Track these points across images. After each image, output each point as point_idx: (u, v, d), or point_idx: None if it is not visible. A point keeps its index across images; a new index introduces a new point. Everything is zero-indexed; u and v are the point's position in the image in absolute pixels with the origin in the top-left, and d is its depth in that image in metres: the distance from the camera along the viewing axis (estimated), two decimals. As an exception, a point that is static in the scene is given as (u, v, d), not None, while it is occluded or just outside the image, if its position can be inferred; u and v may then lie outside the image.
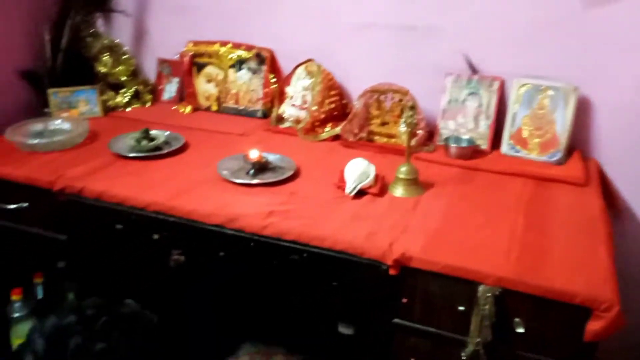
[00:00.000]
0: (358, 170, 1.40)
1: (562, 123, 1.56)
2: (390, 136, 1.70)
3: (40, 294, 1.70)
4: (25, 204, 1.56)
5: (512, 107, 1.61)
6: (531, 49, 1.61)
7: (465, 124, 1.67)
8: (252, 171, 1.49)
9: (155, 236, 1.42)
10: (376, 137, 1.72)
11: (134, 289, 1.75)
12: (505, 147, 1.63)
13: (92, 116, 1.91)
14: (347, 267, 1.23)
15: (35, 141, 1.64)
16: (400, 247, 1.18)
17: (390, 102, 1.69)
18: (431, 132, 1.71)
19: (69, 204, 1.48)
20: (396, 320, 1.24)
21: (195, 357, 2.14)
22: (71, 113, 1.89)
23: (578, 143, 1.63)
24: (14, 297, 1.64)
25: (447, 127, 1.69)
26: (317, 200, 1.38)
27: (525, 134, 1.60)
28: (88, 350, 0.84)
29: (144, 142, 1.64)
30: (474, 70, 1.68)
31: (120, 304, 0.99)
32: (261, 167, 1.50)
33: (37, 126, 1.74)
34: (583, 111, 1.60)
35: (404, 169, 1.41)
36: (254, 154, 1.50)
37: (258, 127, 1.85)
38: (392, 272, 1.18)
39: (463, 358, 1.16)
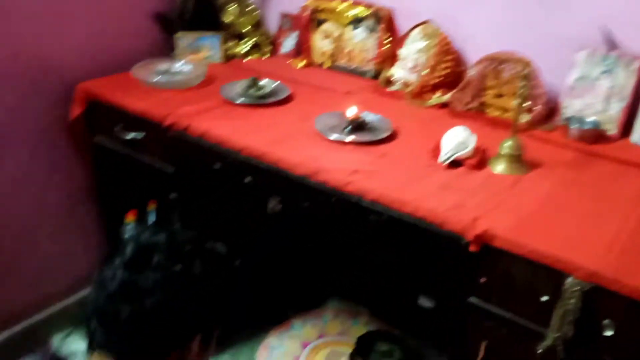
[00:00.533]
0: (457, 139, 1.32)
1: None
2: (505, 110, 1.57)
3: (151, 220, 1.85)
4: (141, 135, 1.69)
5: (653, 90, 1.40)
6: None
7: (594, 105, 1.48)
8: (347, 129, 1.46)
9: (247, 179, 1.46)
10: (488, 109, 1.60)
11: (227, 230, 1.85)
12: (637, 136, 1.43)
13: (212, 62, 2.00)
14: (426, 237, 1.17)
15: (157, 79, 1.76)
16: (484, 223, 1.09)
17: (510, 72, 1.55)
18: (552, 110, 1.55)
19: (176, 139, 1.57)
20: (472, 299, 1.16)
21: (280, 307, 2.22)
22: (194, 57, 1.99)
23: None
24: (128, 219, 1.81)
25: (571, 107, 1.51)
26: (407, 165, 1.32)
27: (664, 122, 1.39)
28: (166, 268, 0.87)
29: (251, 90, 1.69)
30: (612, 46, 1.47)
31: (208, 242, 1.02)
32: (357, 126, 1.47)
33: (162, 66, 1.86)
34: None
35: (508, 143, 1.29)
36: (351, 112, 1.47)
37: (365, 87, 1.81)
38: (472, 248, 1.10)
39: (538, 351, 1.06)
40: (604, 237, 1.06)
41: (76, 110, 1.81)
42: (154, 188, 1.81)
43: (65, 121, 1.84)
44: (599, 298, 0.98)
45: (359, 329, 2.12)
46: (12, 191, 1.80)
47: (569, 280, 0.99)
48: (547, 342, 1.04)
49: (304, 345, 2.08)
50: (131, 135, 1.70)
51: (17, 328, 1.90)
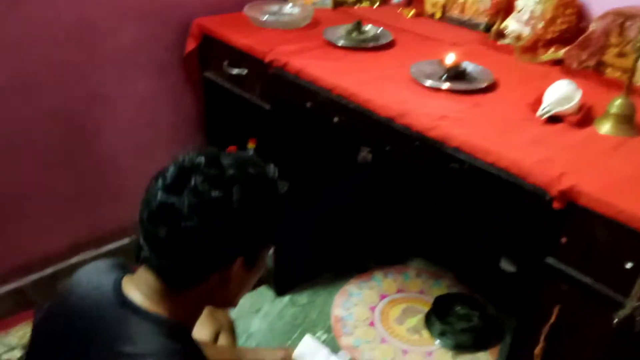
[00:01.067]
0: (560, 93, 1.22)
1: None
2: (626, 71, 1.42)
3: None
4: (244, 72, 1.76)
5: None
6: None
7: None
8: (444, 77, 1.41)
9: (335, 119, 1.47)
10: (607, 70, 1.45)
11: (315, 172, 1.90)
12: None
13: (322, 7, 2.01)
14: (507, 190, 1.11)
15: (265, 17, 1.81)
16: (572, 179, 1.01)
17: (637, 30, 1.39)
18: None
19: (274, 76, 1.62)
20: (550, 260, 1.09)
21: (362, 258, 2.25)
22: (305, 1, 2.02)
23: None
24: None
25: None
26: (500, 116, 1.25)
27: None
28: (203, 193, 0.84)
29: (354, 34, 1.68)
30: None
31: (260, 169, 0.93)
32: (455, 75, 1.41)
33: (272, 7, 1.91)
34: None
35: (618, 101, 1.17)
36: (450, 59, 1.41)
37: (474, 39, 1.72)
38: (556, 205, 1.03)
39: (615, 320, 0.98)
40: None
41: (191, 45, 1.92)
42: (253, 126, 1.90)
43: (181, 55, 1.97)
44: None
45: (440, 290, 2.09)
46: (131, 116, 1.97)
47: (661, 249, 0.90)
48: (624, 311, 0.96)
49: (382, 297, 2.09)
50: (236, 71, 1.78)
51: (125, 240, 2.11)
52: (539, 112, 1.22)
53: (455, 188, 1.37)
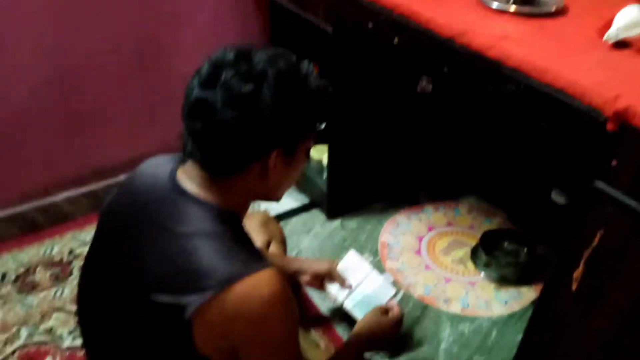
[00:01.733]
0: (629, 18, 1.17)
1: None
2: None
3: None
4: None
5: None
6: None
7: None
8: (512, 1, 1.38)
9: (396, 40, 1.48)
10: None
11: (374, 100, 1.92)
12: None
13: None
14: (563, 110, 1.10)
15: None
16: (629, 100, 0.99)
17: None
18: None
19: (339, -3, 1.63)
20: (599, 183, 1.08)
21: (414, 191, 2.27)
22: None
23: None
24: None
25: None
26: (565, 39, 1.22)
27: None
28: (233, 87, 0.88)
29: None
30: None
31: (293, 64, 0.96)
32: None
33: None
34: None
35: (693, 26, 1.12)
36: (519, -20, 1.37)
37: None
38: (609, 126, 1.02)
39: (656, 247, 0.98)
40: None
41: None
42: (317, 50, 1.92)
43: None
44: None
45: (491, 226, 2.11)
46: (201, 35, 2.05)
47: None
48: (669, 237, 0.95)
49: (430, 229, 2.13)
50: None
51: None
52: (606, 37, 1.18)
53: (510, 118, 1.35)
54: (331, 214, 2.18)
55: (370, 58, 1.81)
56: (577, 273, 1.17)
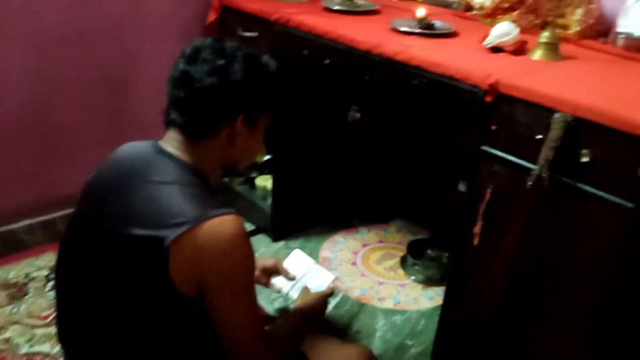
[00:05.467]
0: (501, 29, 1.53)
1: None
2: (565, 27, 1.73)
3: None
4: (255, 34, 2.10)
5: None
6: None
7: (647, 23, 1.60)
8: (416, 26, 1.73)
9: (327, 61, 1.79)
10: (550, 27, 1.77)
11: (310, 130, 2.19)
12: (683, 49, 1.53)
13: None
14: (454, 93, 1.41)
15: (275, -9, 2.17)
16: (497, 77, 1.31)
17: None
18: (607, 29, 1.68)
19: (279, 33, 1.95)
20: (484, 147, 1.37)
21: (349, 216, 2.51)
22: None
23: None
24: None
25: (626, 26, 1.63)
26: (454, 47, 1.57)
27: None
28: (211, 62, 1.12)
29: (347, 3, 2.02)
30: (673, -32, 1.58)
31: (256, 52, 1.22)
32: (425, 25, 1.73)
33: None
34: None
35: (546, 33, 1.48)
36: (421, 12, 1.73)
37: (448, 12, 2.05)
38: (487, 98, 1.33)
39: (529, 184, 1.25)
40: (598, 88, 1.23)
41: (212, 16, 2.27)
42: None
43: (203, 25, 2.32)
44: (580, 130, 1.16)
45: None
46: (159, 75, 2.30)
47: (556, 115, 1.18)
48: (535, 172, 1.23)
49: (364, 245, 2.36)
50: (248, 34, 2.12)
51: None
52: (484, 42, 1.53)
53: (414, 99, 1.61)
54: (276, 237, 2.37)
55: (307, 90, 2.11)
56: (477, 228, 1.43)
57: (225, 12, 2.23)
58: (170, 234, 1.05)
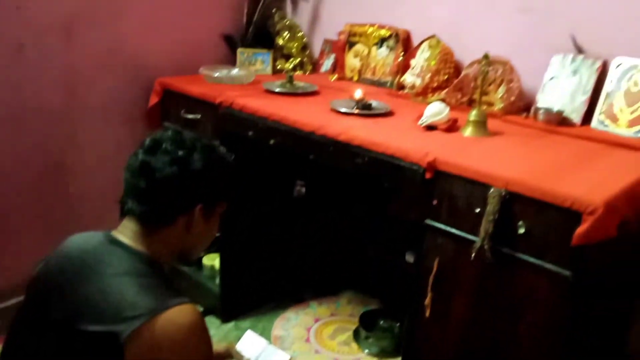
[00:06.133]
0: (433, 109, 1.65)
1: (655, 101, 1.57)
2: (490, 104, 1.88)
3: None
4: (198, 117, 2.14)
5: (608, 85, 1.67)
6: (636, 30, 1.66)
7: (562, 98, 1.76)
8: (355, 107, 1.83)
9: (272, 141, 1.84)
10: (476, 104, 1.91)
11: (257, 207, 2.21)
12: (595, 122, 1.69)
13: (263, 73, 2.46)
14: (395, 170, 1.48)
15: (216, 75, 2.24)
16: (435, 155, 1.40)
17: (494, 73, 1.88)
18: (528, 105, 1.84)
19: (223, 116, 2.00)
20: (428, 221, 1.44)
21: (300, 291, 2.51)
22: (249, 68, 2.47)
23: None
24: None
25: (544, 101, 1.80)
26: (392, 127, 1.66)
27: (616, 109, 1.64)
28: (172, 153, 1.15)
29: (287, 85, 2.11)
30: (579, 50, 1.77)
31: (213, 144, 1.27)
32: (363, 106, 1.83)
33: (223, 70, 2.35)
34: (686, 94, 1.58)
35: (474, 112, 1.60)
36: (358, 94, 1.84)
37: (382, 92, 2.18)
38: (427, 175, 1.40)
39: (472, 255, 1.31)
40: (525, 163, 1.33)
41: (154, 99, 2.30)
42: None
43: (145, 108, 2.34)
44: (514, 203, 1.25)
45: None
46: (99, 160, 2.28)
47: (491, 189, 1.27)
48: (477, 245, 1.30)
49: (316, 320, 2.35)
50: (191, 117, 2.15)
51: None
52: (419, 122, 1.63)
53: (357, 176, 1.67)
54: (226, 318, 2.32)
55: (252, 168, 2.14)
56: (427, 300, 1.47)
57: (168, 95, 2.26)
58: (125, 329, 1.02)
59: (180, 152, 1.16)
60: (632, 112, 1.61)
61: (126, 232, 1.17)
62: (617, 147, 1.53)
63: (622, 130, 1.62)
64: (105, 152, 2.28)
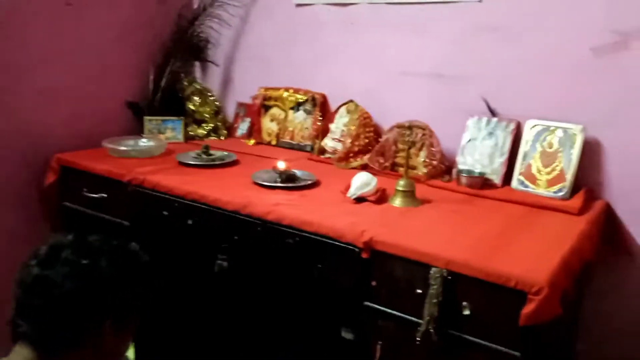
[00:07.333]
0: (361, 181, 1.60)
1: (568, 161, 1.63)
2: (412, 167, 1.87)
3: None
4: (104, 195, 1.95)
5: (524, 146, 1.72)
6: (547, 93, 1.74)
7: (481, 160, 1.79)
8: (278, 179, 1.74)
9: (190, 221, 1.70)
10: (400, 169, 1.90)
11: (174, 285, 2.03)
12: (515, 182, 1.72)
13: (175, 141, 2.32)
14: (329, 251, 1.40)
15: (122, 148, 2.06)
16: (371, 234, 1.33)
17: (414, 137, 1.88)
18: (449, 167, 1.85)
19: (133, 194, 1.83)
20: (367, 302, 1.36)
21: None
22: (159, 136, 2.32)
23: (590, 184, 1.67)
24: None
25: (464, 163, 1.82)
26: (321, 201, 1.59)
27: (534, 170, 1.69)
28: (74, 263, 0.99)
29: (203, 156, 1.99)
30: (493, 113, 1.83)
31: (123, 242, 1.10)
32: (287, 177, 1.75)
33: (129, 141, 2.18)
34: (595, 153, 1.66)
35: (402, 182, 1.58)
36: (281, 165, 1.76)
37: (303, 157, 2.11)
38: (364, 255, 1.34)
39: (418, 339, 1.25)
40: (463, 240, 1.30)
41: (51, 178, 2.08)
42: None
43: (40, 187, 2.10)
44: (457, 283, 1.20)
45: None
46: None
47: (432, 270, 1.22)
48: (422, 328, 1.24)
49: (249, 403, 2.16)
50: (95, 195, 1.96)
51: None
52: (348, 194, 1.58)
53: (288, 257, 1.59)
54: (145, 415, 2.08)
55: (168, 240, 1.97)
56: (373, 389, 1.38)
57: (67, 172, 2.06)
58: None
59: (84, 261, 1.00)
60: (548, 173, 1.66)
61: None
62: (541, 210, 1.56)
63: (541, 190, 1.66)
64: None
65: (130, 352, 2.07)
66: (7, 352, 1.01)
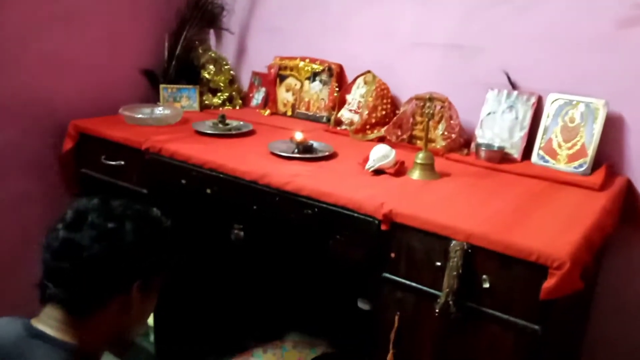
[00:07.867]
0: (380, 153, 1.59)
1: (590, 136, 1.61)
2: (431, 141, 1.86)
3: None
4: (121, 163, 1.95)
5: (545, 120, 1.70)
6: (568, 67, 1.71)
7: (501, 134, 1.78)
8: (296, 150, 1.74)
9: (208, 190, 1.71)
10: (417, 141, 1.89)
11: (192, 254, 2.06)
12: (535, 157, 1.71)
13: (190, 110, 2.31)
14: (348, 222, 1.40)
15: (139, 116, 2.06)
16: (391, 206, 1.33)
17: (433, 109, 1.86)
18: (468, 140, 1.84)
19: (150, 162, 1.84)
20: (385, 274, 1.37)
21: (242, 338, 2.37)
22: (175, 104, 2.31)
23: (612, 159, 1.66)
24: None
25: (483, 136, 1.81)
26: (339, 172, 1.59)
27: (554, 145, 1.67)
28: (100, 226, 1.01)
29: (219, 125, 1.98)
30: (513, 86, 1.80)
31: (146, 207, 1.12)
32: (304, 148, 1.74)
33: (146, 109, 2.17)
34: (617, 129, 1.64)
35: (421, 154, 1.57)
36: (299, 136, 1.75)
37: (319, 128, 2.10)
38: (383, 227, 1.34)
39: (436, 310, 1.26)
40: (482, 213, 1.30)
41: (68, 144, 2.08)
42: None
43: (58, 154, 2.11)
44: (477, 257, 1.21)
45: (317, 355, 2.26)
46: (6, 214, 2.03)
47: (453, 243, 1.22)
48: (441, 300, 1.25)
49: (262, 369, 2.20)
50: (113, 163, 1.96)
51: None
52: (366, 167, 1.57)
53: (311, 232, 1.60)
54: (162, 376, 2.13)
55: (186, 209, 1.98)
56: (390, 356, 1.39)
57: (84, 139, 2.06)
58: None
59: (110, 225, 1.01)
60: (569, 148, 1.65)
61: (49, 322, 1.00)
62: (561, 185, 1.55)
63: (562, 166, 1.65)
64: (8, 210, 2.03)
65: (150, 319, 2.11)
66: (30, 313, 1.04)
